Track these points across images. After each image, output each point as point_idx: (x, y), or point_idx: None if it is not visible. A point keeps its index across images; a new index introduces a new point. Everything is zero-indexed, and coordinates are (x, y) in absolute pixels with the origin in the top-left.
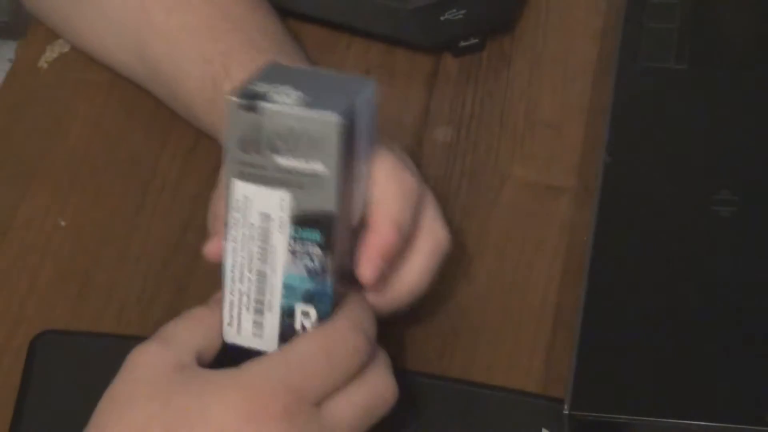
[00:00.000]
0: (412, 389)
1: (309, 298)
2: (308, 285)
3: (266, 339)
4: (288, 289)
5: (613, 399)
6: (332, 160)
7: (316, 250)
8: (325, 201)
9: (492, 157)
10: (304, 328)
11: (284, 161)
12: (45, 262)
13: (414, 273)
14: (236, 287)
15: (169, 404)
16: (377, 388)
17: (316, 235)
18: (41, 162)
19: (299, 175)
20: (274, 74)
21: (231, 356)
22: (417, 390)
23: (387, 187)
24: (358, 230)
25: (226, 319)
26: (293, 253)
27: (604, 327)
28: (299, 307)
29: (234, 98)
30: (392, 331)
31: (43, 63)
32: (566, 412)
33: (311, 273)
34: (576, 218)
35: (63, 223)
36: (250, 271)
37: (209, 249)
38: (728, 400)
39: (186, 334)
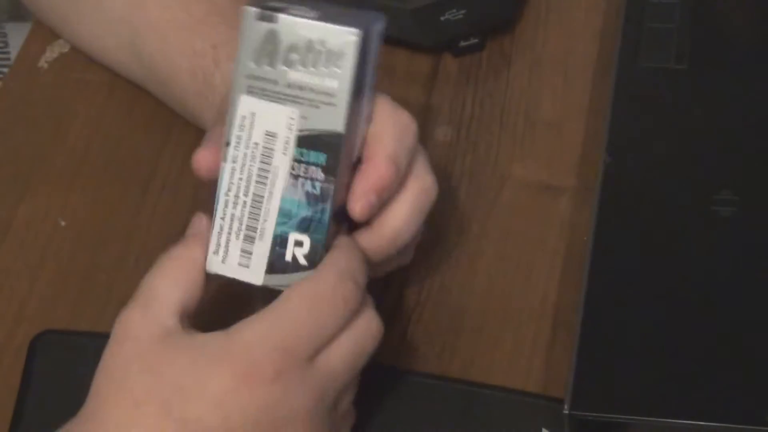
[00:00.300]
0: (412, 389)
1: (305, 226)
2: (306, 212)
3: (253, 269)
4: (284, 215)
5: (613, 399)
6: (347, 77)
7: (319, 174)
8: (335, 121)
9: (492, 157)
10: (295, 258)
11: (297, 76)
12: (45, 262)
13: (400, 215)
14: (228, 212)
15: (161, 378)
16: (366, 329)
17: (321, 158)
18: (41, 162)
19: (311, 92)
20: (288, 1)
21: (219, 292)
22: (417, 390)
23: (385, 124)
24: (354, 168)
25: (212, 247)
26: (295, 176)
27: (604, 327)
28: (293, 236)
29: (251, 8)
30: (392, 331)
31: (43, 63)
32: (566, 412)
33: (311, 199)
34: (576, 218)
35: (63, 223)
36: (246, 195)
37: (198, 157)
38: (728, 400)
39: (166, 289)
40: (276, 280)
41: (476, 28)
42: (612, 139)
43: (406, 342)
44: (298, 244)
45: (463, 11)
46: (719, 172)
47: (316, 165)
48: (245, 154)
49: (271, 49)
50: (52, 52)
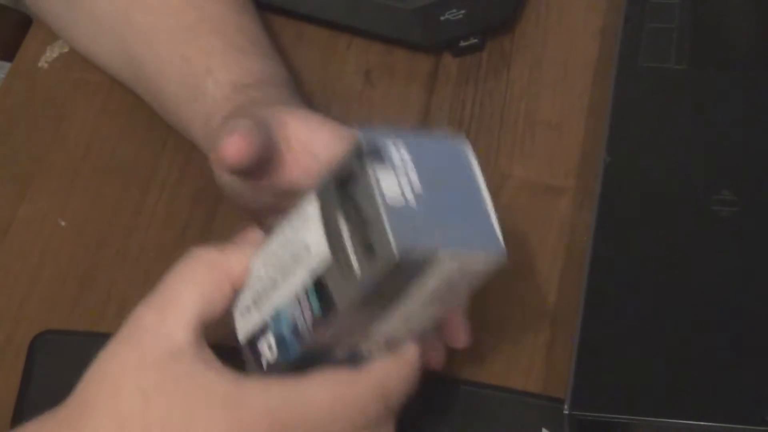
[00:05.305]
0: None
1: (280, 340)
2: (287, 332)
3: (243, 325)
4: (276, 315)
5: (613, 399)
6: (369, 279)
7: (309, 318)
8: (342, 295)
9: (492, 157)
10: (260, 353)
11: (345, 233)
12: (45, 262)
13: None
14: (264, 268)
15: (153, 405)
16: None
17: (318, 309)
18: (41, 162)
19: (344, 256)
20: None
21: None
22: (417, 390)
23: None
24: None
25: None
26: (298, 300)
27: (604, 327)
28: (269, 337)
29: (363, 140)
30: None
31: (43, 63)
32: (566, 412)
33: (295, 329)
34: (576, 218)
35: (63, 223)
36: (274, 267)
37: (230, 142)
38: (728, 400)
39: (188, 296)
40: (247, 353)
41: (476, 28)
42: (612, 139)
43: None
44: (269, 346)
45: (463, 11)
46: (719, 172)
47: (311, 309)
48: (288, 237)
49: (349, 189)
50: (52, 52)
